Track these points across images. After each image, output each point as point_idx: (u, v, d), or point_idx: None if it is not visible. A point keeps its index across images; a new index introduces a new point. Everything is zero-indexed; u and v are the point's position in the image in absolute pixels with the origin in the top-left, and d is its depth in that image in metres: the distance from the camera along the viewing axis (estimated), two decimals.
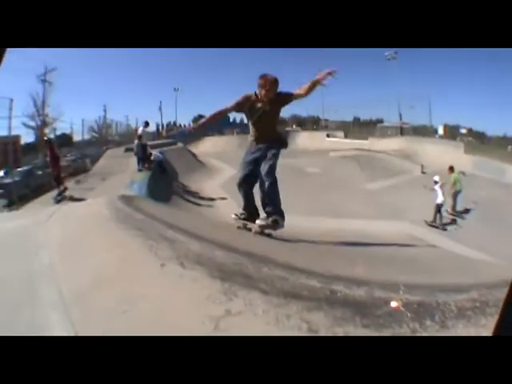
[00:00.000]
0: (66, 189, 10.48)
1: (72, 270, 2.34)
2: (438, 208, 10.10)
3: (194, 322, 1.51)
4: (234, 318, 1.51)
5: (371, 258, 3.83)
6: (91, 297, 1.92)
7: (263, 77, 3.56)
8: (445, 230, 9.80)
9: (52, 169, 10.66)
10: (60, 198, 9.75)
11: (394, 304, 1.72)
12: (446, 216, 10.41)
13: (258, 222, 3.70)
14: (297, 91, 3.66)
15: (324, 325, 1.52)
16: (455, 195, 10.99)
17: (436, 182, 10.47)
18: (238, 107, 3.72)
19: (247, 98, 3.68)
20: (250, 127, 3.79)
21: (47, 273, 2.30)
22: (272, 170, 3.63)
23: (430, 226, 9.97)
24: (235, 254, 2.30)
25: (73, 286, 2.06)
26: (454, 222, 10.52)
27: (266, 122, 3.69)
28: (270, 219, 3.60)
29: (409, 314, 1.63)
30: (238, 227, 3.91)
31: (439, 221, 10.04)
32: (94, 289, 2.00)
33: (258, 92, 3.63)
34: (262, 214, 3.77)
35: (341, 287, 1.87)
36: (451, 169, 11.53)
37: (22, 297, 2.02)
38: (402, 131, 28.62)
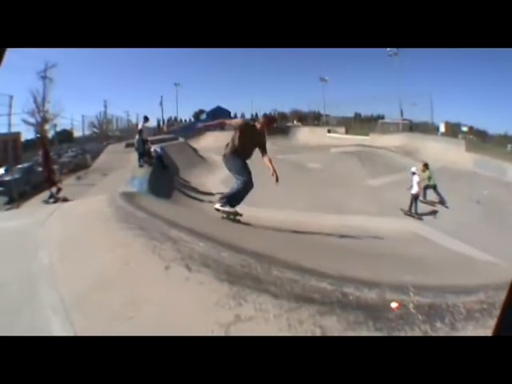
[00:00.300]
0: (59, 190, 9.68)
1: (72, 271, 2.28)
2: (414, 198, 10.63)
3: (202, 328, 1.45)
4: (244, 323, 1.46)
5: (377, 257, 3.80)
6: (92, 300, 1.86)
7: (266, 116, 5.05)
8: (421, 219, 10.28)
9: (43, 167, 9.87)
10: (53, 201, 8.86)
11: (405, 306, 1.69)
12: (418, 206, 10.94)
13: (232, 210, 4.66)
14: (266, 152, 4.81)
15: (337, 329, 1.47)
16: (430, 188, 11.82)
17: (413, 173, 11.01)
18: (236, 125, 4.73)
19: (247, 124, 4.75)
20: (239, 142, 4.62)
21: (47, 274, 2.24)
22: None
23: (406, 214, 10.49)
24: (242, 255, 2.23)
25: (73, 289, 2.00)
26: (434, 212, 11.02)
27: (254, 145, 4.74)
28: (235, 209, 4.68)
29: (420, 317, 1.60)
30: (223, 217, 4.69)
31: (415, 210, 10.57)
32: (95, 292, 1.94)
33: (256, 123, 4.79)
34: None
35: (352, 289, 1.82)
36: (425, 165, 12.20)
37: (21, 300, 1.96)
38: (411, 128, 27.96)
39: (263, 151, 4.79)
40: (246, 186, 4.56)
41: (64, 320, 1.70)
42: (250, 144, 4.68)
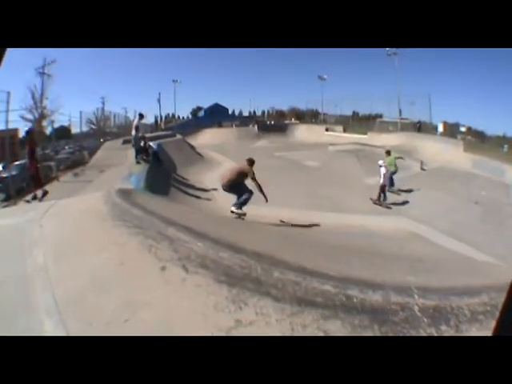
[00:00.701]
0: (46, 193, 8.27)
1: (67, 271, 2.21)
2: (382, 188, 10.96)
3: (200, 333, 1.38)
4: (245, 328, 1.39)
5: (377, 256, 3.76)
6: (87, 303, 1.80)
7: (248, 159, 6.61)
8: (389, 208, 10.57)
9: (28, 165, 8.46)
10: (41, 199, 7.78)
11: (410, 309, 1.65)
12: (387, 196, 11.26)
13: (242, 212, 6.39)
14: (253, 179, 6.44)
15: (342, 334, 1.42)
16: (391, 175, 12.12)
17: (380, 166, 11.37)
18: (233, 169, 6.73)
19: (237, 168, 6.61)
20: (233, 177, 6.42)
21: (41, 275, 2.17)
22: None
23: (375, 203, 10.82)
24: (242, 256, 2.16)
25: (67, 289, 1.93)
26: (405, 202, 11.28)
27: (243, 177, 6.45)
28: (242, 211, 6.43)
29: (425, 320, 1.56)
30: (236, 217, 6.11)
31: (383, 199, 10.89)
32: (89, 293, 1.87)
33: (241, 166, 6.59)
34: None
35: (356, 292, 1.76)
36: (388, 152, 12.93)
37: (15, 302, 1.89)
38: (419, 128, 27.24)
39: (251, 180, 6.50)
40: (251, 195, 6.41)
41: (58, 323, 1.63)
42: (240, 177, 6.46)
